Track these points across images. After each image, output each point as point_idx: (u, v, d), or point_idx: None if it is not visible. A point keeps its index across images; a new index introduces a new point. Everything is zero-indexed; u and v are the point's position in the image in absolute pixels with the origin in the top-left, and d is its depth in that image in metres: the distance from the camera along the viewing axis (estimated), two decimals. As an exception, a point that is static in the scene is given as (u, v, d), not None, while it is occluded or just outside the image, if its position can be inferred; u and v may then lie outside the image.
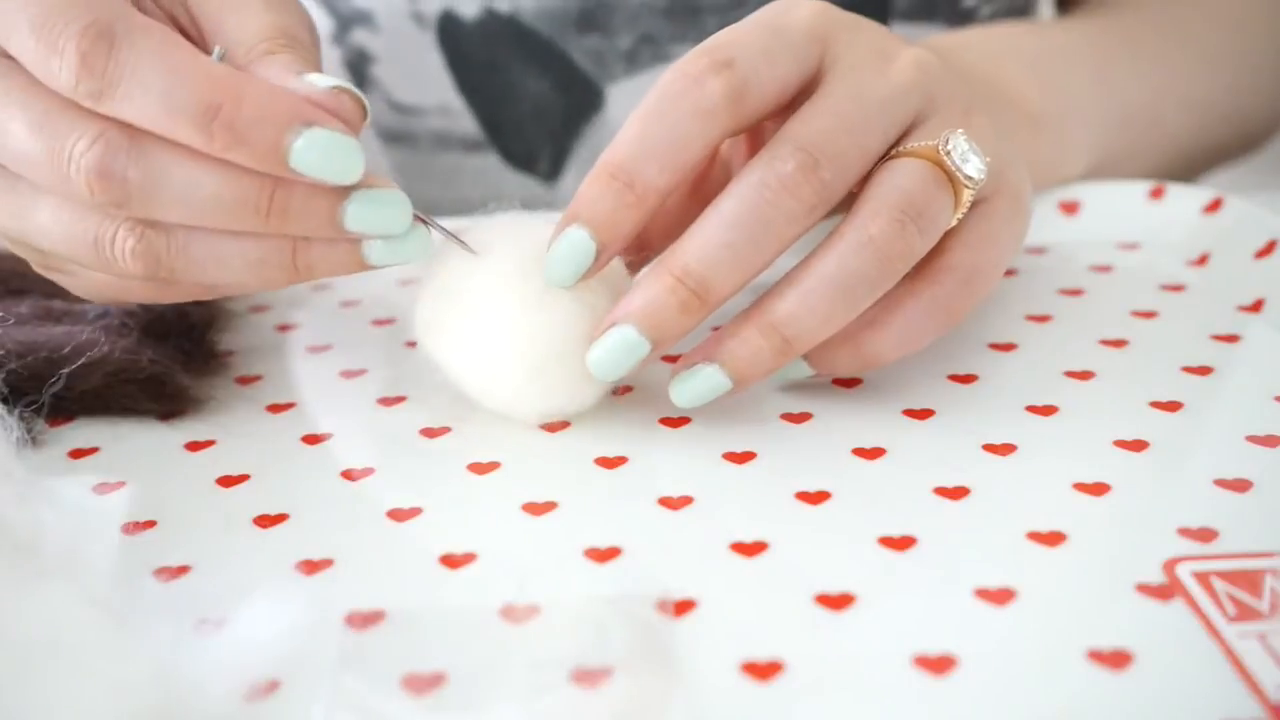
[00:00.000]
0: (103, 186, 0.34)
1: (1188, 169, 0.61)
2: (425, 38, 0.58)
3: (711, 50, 0.35)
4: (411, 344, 0.46)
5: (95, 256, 0.36)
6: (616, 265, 0.38)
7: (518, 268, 0.36)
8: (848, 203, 0.36)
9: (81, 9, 0.33)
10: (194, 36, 0.38)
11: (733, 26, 0.37)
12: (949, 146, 0.36)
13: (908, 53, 0.38)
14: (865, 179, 0.36)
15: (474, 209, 0.62)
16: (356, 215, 0.35)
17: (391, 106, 0.61)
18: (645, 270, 0.36)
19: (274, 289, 0.39)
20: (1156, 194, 0.52)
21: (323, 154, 0.33)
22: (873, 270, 0.34)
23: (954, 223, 0.37)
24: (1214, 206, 0.50)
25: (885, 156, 0.36)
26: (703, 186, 0.41)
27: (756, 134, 0.41)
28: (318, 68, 0.36)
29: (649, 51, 0.58)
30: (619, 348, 0.35)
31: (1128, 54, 0.56)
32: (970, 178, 0.36)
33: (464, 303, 0.37)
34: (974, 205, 0.37)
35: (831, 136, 0.35)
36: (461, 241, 0.37)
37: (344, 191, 0.35)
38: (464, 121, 0.60)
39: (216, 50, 0.36)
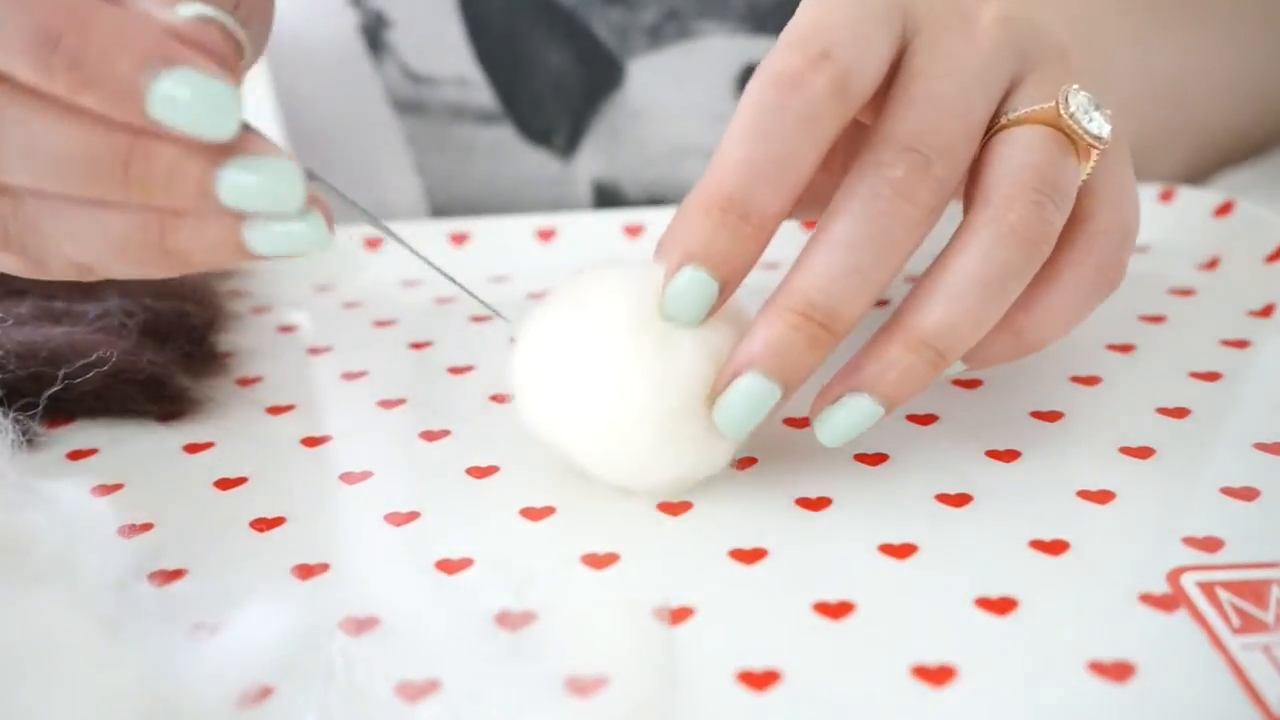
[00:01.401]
0: None
1: (1214, 154, 0.59)
2: (446, 4, 0.57)
3: (802, 41, 0.32)
4: (415, 346, 0.46)
5: None
6: (735, 301, 0.34)
7: (632, 315, 0.32)
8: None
9: None
10: None
11: (810, 6, 0.33)
12: (1071, 107, 0.33)
13: (988, 8, 0.35)
14: (979, 157, 0.34)
15: (488, 183, 0.62)
16: (233, 184, 0.29)
17: (406, 75, 0.60)
18: (759, 311, 0.32)
19: (152, 274, 0.32)
20: (1166, 196, 0.51)
21: (189, 99, 0.27)
22: (1019, 260, 0.32)
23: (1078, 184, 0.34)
24: (1224, 210, 0.50)
25: (993, 127, 0.34)
26: None
27: None
28: (243, 13, 0.31)
29: (673, 27, 0.57)
30: (748, 398, 0.32)
31: (1159, 27, 0.54)
32: (1098, 137, 0.33)
33: (574, 358, 0.33)
34: None
35: (936, 127, 0.32)
36: (377, 220, 0.33)
37: (220, 155, 0.29)
38: (480, 93, 0.60)
39: None
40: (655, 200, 0.61)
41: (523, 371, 0.34)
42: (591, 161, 0.60)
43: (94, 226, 0.30)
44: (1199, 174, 0.58)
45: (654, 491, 0.34)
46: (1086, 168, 0.34)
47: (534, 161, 0.61)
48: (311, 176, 0.31)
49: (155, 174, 0.29)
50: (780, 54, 0.32)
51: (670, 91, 0.59)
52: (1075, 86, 0.34)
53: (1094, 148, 0.34)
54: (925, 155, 0.31)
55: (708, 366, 0.32)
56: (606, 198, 0.62)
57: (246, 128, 0.30)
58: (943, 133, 0.32)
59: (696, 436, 0.33)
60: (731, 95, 0.58)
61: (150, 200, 0.30)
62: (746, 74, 0.58)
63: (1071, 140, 0.33)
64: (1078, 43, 0.46)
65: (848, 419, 0.33)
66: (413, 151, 0.62)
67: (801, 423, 0.38)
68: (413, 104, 0.61)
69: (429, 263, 0.34)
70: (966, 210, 0.33)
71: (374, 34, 0.59)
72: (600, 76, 0.59)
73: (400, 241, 0.34)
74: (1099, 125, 0.34)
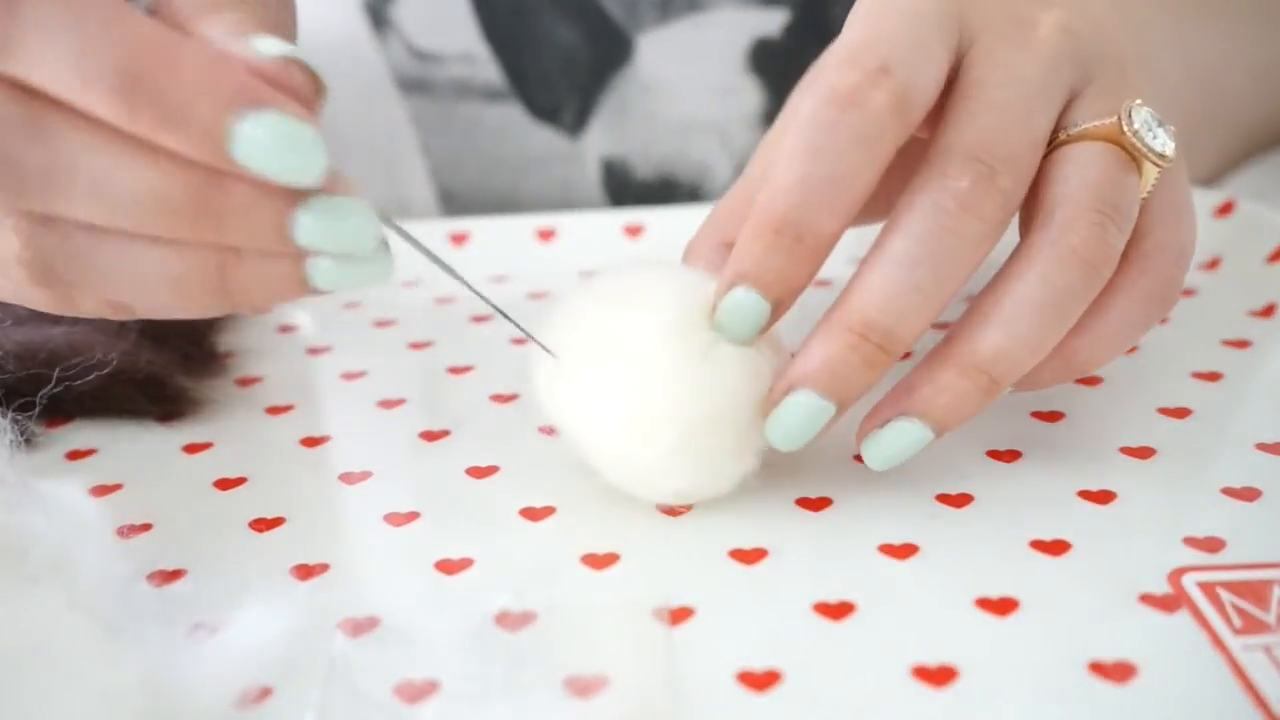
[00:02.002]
0: None
1: (1245, 144, 0.57)
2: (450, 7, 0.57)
3: (858, 56, 0.30)
4: (415, 346, 0.46)
5: None
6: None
7: (681, 318, 0.32)
8: None
9: None
10: None
11: (863, 16, 0.32)
12: (1134, 124, 0.32)
13: (1048, 16, 0.33)
14: (1039, 171, 0.32)
15: (496, 162, 0.62)
16: (311, 227, 0.28)
17: (411, 52, 0.59)
18: (816, 325, 0.32)
19: (202, 314, 0.31)
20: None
21: (275, 143, 0.27)
22: (1079, 284, 0.31)
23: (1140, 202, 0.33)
24: (1225, 209, 0.50)
25: (1053, 142, 0.32)
26: None
27: None
28: (281, 32, 0.30)
29: (683, 0, 0.57)
30: (801, 414, 0.31)
31: (1196, 15, 0.52)
32: (1162, 155, 0.32)
33: (614, 351, 0.32)
34: None
35: (1000, 137, 0.31)
36: (442, 262, 0.32)
37: (296, 195, 0.28)
38: (486, 70, 0.59)
39: (143, 1, 0.29)
40: (664, 177, 0.61)
41: (557, 350, 0.33)
42: (600, 139, 0.60)
43: (152, 264, 0.29)
44: (1229, 164, 0.57)
45: (655, 499, 0.34)
46: (1148, 185, 0.33)
47: (542, 139, 0.60)
48: (382, 216, 0.30)
49: (232, 213, 0.28)
50: (837, 70, 0.31)
51: (680, 66, 0.58)
52: (1138, 101, 0.33)
53: (1158, 166, 0.33)
54: (990, 166, 0.30)
55: (744, 383, 0.32)
56: (615, 175, 0.61)
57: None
58: (1008, 143, 0.31)
59: (714, 451, 0.32)
60: (742, 69, 0.58)
61: (223, 239, 0.29)
62: (757, 48, 0.58)
63: (1133, 158, 0.32)
64: (1124, 35, 0.45)
65: (896, 443, 0.32)
66: (418, 132, 0.61)
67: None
68: (418, 82, 0.60)
69: (465, 282, 0.33)
70: (1024, 230, 0.32)
71: (378, 11, 0.58)
72: (609, 51, 0.58)
73: (447, 268, 0.33)
74: (1163, 143, 0.33)
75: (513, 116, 0.60)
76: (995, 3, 0.33)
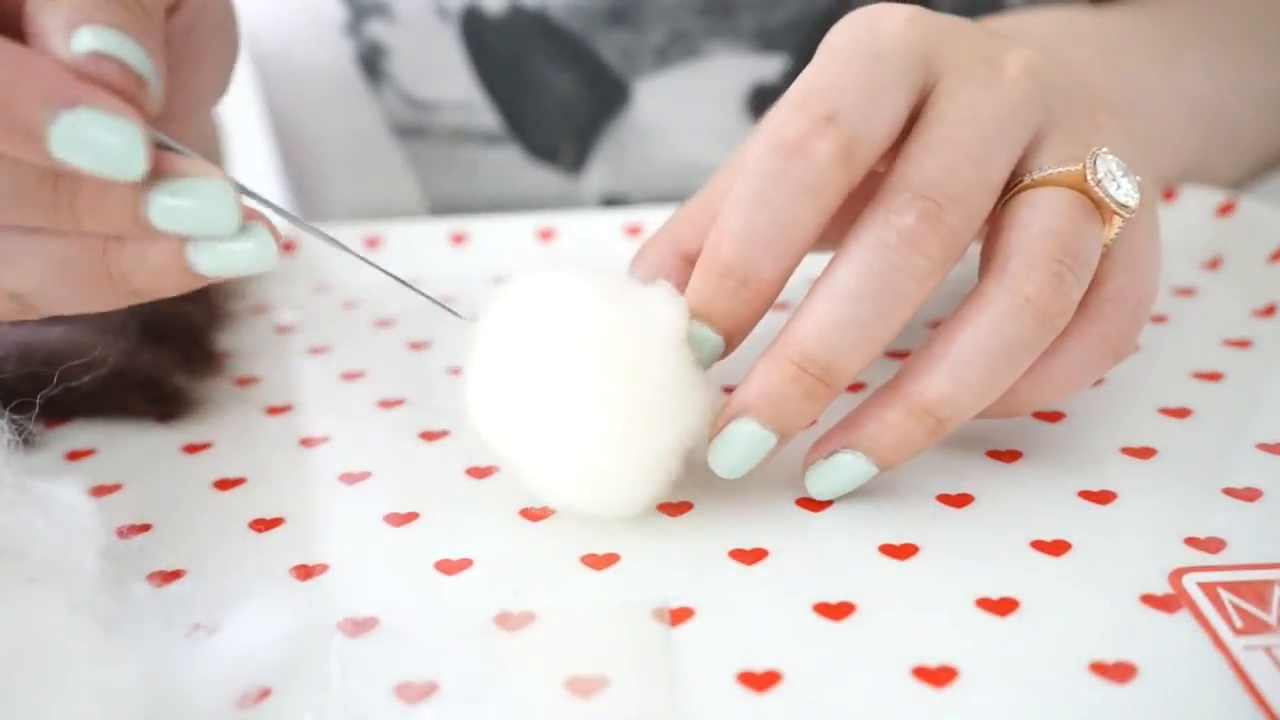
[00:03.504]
0: None
1: (1259, 165, 0.57)
2: (446, 31, 0.57)
3: (806, 102, 0.31)
4: (414, 346, 0.46)
5: None
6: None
7: (600, 331, 0.31)
8: None
9: None
10: None
11: (821, 61, 0.32)
12: (1098, 173, 0.32)
13: (1015, 57, 0.33)
14: (998, 215, 0.33)
15: (495, 200, 0.61)
16: (164, 208, 0.28)
17: (406, 102, 0.60)
18: (761, 356, 0.32)
19: (98, 305, 0.32)
20: (1168, 196, 0.51)
21: (92, 139, 0.27)
22: (1032, 334, 0.31)
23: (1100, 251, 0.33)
24: (1227, 209, 0.50)
25: (1014, 185, 0.33)
26: None
27: None
28: (136, 19, 0.29)
29: (680, 47, 0.57)
30: (744, 444, 0.32)
31: (1193, 42, 0.52)
32: (1124, 205, 0.32)
33: (536, 371, 0.31)
34: None
35: (951, 174, 0.31)
36: (337, 242, 0.32)
37: (148, 179, 0.28)
38: (484, 116, 0.59)
39: None
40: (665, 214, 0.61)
41: (478, 383, 0.33)
42: (600, 178, 0.60)
43: (33, 251, 0.30)
44: (1243, 184, 0.57)
45: (615, 512, 0.33)
46: (1111, 233, 0.33)
47: (541, 179, 0.60)
48: (245, 192, 0.30)
49: (83, 200, 0.28)
50: (783, 116, 0.31)
51: (677, 111, 0.58)
52: (1105, 150, 0.33)
53: (1119, 215, 0.32)
54: (938, 203, 0.30)
55: (676, 383, 0.32)
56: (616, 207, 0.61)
57: (173, 148, 0.29)
58: (958, 180, 0.31)
59: (664, 453, 0.32)
60: (740, 114, 0.58)
61: (82, 226, 0.29)
62: (755, 94, 0.58)
63: (1097, 205, 0.32)
64: (1107, 72, 0.44)
65: (839, 476, 0.33)
66: (416, 172, 0.61)
67: (802, 423, 0.38)
68: (413, 129, 0.60)
69: (375, 266, 0.34)
70: (982, 274, 0.32)
71: (371, 63, 0.59)
72: (606, 98, 0.58)
73: (323, 235, 0.33)
74: (1126, 193, 0.33)
75: (511, 158, 0.60)
76: (964, 41, 0.33)
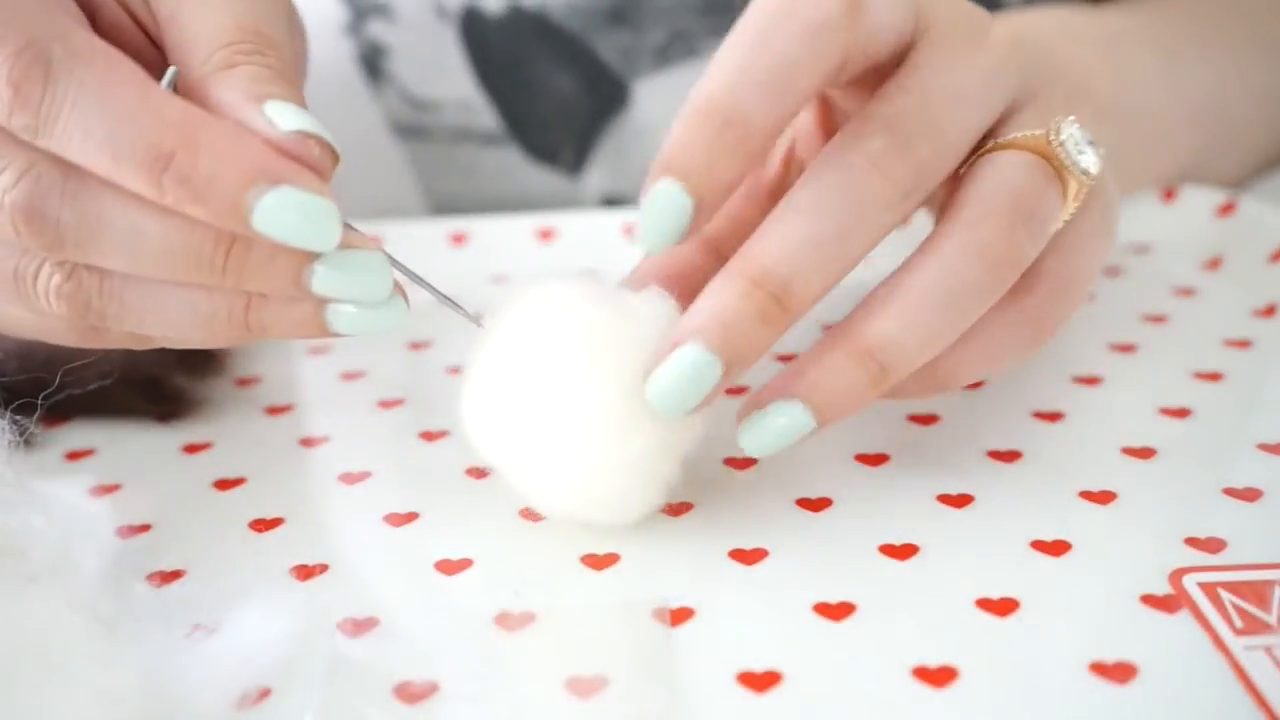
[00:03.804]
0: (30, 229, 0.29)
1: (1261, 163, 0.57)
2: (446, 31, 0.57)
3: None
4: (415, 346, 0.46)
5: (14, 289, 0.31)
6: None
7: (593, 335, 0.31)
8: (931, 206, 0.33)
9: (15, 28, 0.28)
10: (149, 28, 0.33)
11: None
12: (1061, 136, 0.32)
13: (1000, 29, 0.33)
14: (961, 176, 0.32)
15: (496, 201, 0.61)
16: (326, 279, 0.30)
17: (406, 101, 0.60)
18: (714, 279, 0.30)
19: (221, 345, 0.33)
20: (1169, 195, 0.51)
21: (292, 217, 0.28)
22: (984, 280, 0.30)
23: (1061, 224, 0.32)
24: (1227, 209, 0.50)
25: (981, 149, 0.32)
26: (780, 189, 0.37)
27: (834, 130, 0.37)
28: (293, 73, 0.31)
29: (680, 48, 0.57)
30: (686, 372, 0.29)
31: (1193, 41, 0.52)
32: (1086, 171, 0.32)
33: (529, 383, 0.31)
34: None
35: (924, 113, 0.30)
36: (457, 305, 0.34)
37: (309, 252, 0.30)
38: (483, 116, 0.59)
39: (169, 73, 0.31)
40: None
41: (473, 399, 0.33)
42: (600, 178, 0.60)
43: (179, 302, 0.31)
44: (1243, 182, 0.57)
45: (616, 519, 0.33)
46: (1070, 207, 0.32)
47: (541, 179, 0.61)
48: (393, 263, 0.32)
49: (252, 266, 0.30)
50: None
51: (677, 111, 0.58)
52: (1071, 118, 0.32)
53: (1080, 182, 0.32)
54: (907, 135, 0.30)
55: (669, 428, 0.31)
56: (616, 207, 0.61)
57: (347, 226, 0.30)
58: (932, 120, 0.30)
59: (661, 454, 0.31)
60: None
61: (243, 286, 0.30)
62: None
63: (1059, 172, 0.32)
64: (1107, 72, 0.44)
65: (775, 428, 0.31)
66: (416, 172, 0.61)
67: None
68: (414, 129, 0.60)
69: (468, 315, 0.34)
70: (936, 225, 0.32)
71: (372, 63, 0.59)
72: (605, 99, 0.58)
73: (454, 306, 0.34)
74: (1090, 160, 0.32)
75: (511, 158, 0.60)
76: (956, 6, 0.33)
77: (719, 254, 0.35)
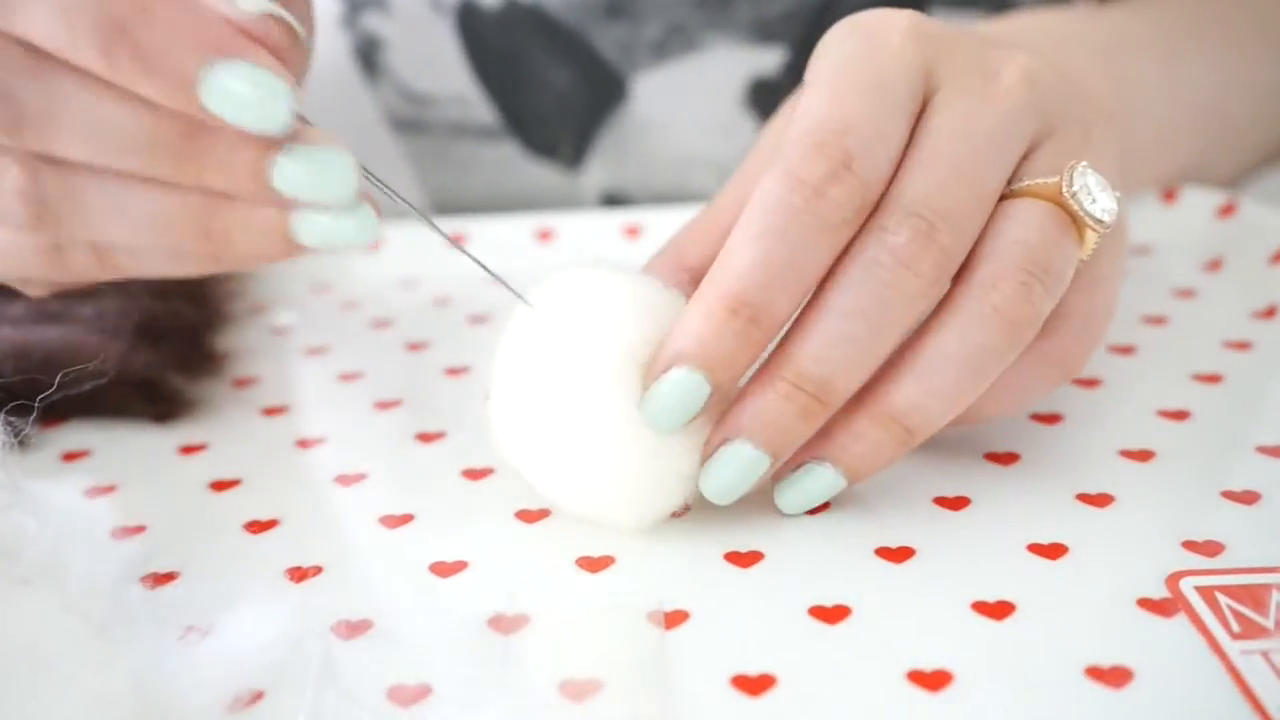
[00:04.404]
0: None
1: (1260, 162, 0.57)
2: (442, 24, 0.57)
3: (824, 144, 0.30)
4: (412, 347, 0.46)
5: None
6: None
7: (633, 346, 0.31)
8: None
9: None
10: None
11: (829, 86, 0.31)
12: (1074, 186, 0.32)
13: (1013, 65, 0.33)
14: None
15: (494, 197, 0.61)
16: (287, 172, 0.30)
17: (403, 95, 0.59)
18: (752, 377, 0.31)
19: (186, 266, 0.33)
20: (1169, 196, 0.51)
21: (242, 92, 0.28)
22: (1000, 342, 0.31)
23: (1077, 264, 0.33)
24: (1227, 210, 0.50)
25: (1002, 194, 0.33)
26: None
27: None
28: None
29: (678, 41, 0.57)
30: (738, 468, 0.31)
31: (1192, 41, 0.52)
32: (1100, 221, 0.32)
33: (567, 391, 0.31)
34: None
35: (944, 191, 0.31)
36: (433, 223, 0.33)
37: (276, 143, 0.30)
38: (480, 110, 0.59)
39: None
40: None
41: (504, 388, 0.33)
42: (599, 173, 0.60)
43: (140, 202, 0.31)
44: (1240, 180, 0.57)
45: (644, 523, 0.33)
46: (1088, 248, 0.33)
47: (540, 174, 0.60)
48: (365, 173, 0.31)
49: (211, 154, 0.29)
50: (804, 156, 0.30)
51: (676, 104, 0.58)
52: (1085, 164, 0.32)
53: (1094, 230, 0.32)
54: (930, 222, 0.30)
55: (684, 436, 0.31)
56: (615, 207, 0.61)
57: (303, 120, 0.30)
58: (951, 198, 0.31)
59: (683, 461, 0.32)
60: (739, 107, 0.58)
61: (203, 180, 0.30)
62: (754, 88, 0.58)
63: (1074, 219, 0.32)
64: (1107, 77, 0.44)
65: (808, 487, 0.32)
66: (414, 167, 0.61)
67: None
68: (411, 123, 0.60)
69: (480, 263, 0.35)
70: (953, 283, 0.32)
71: (368, 56, 0.58)
72: (603, 92, 0.58)
73: (431, 223, 0.34)
74: (1103, 208, 0.32)
75: (509, 153, 0.60)
76: (962, 52, 0.33)
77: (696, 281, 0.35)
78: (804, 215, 0.30)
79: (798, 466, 0.32)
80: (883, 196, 0.31)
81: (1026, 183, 0.32)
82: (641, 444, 0.31)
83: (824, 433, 0.32)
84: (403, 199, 0.33)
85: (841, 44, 0.33)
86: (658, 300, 0.32)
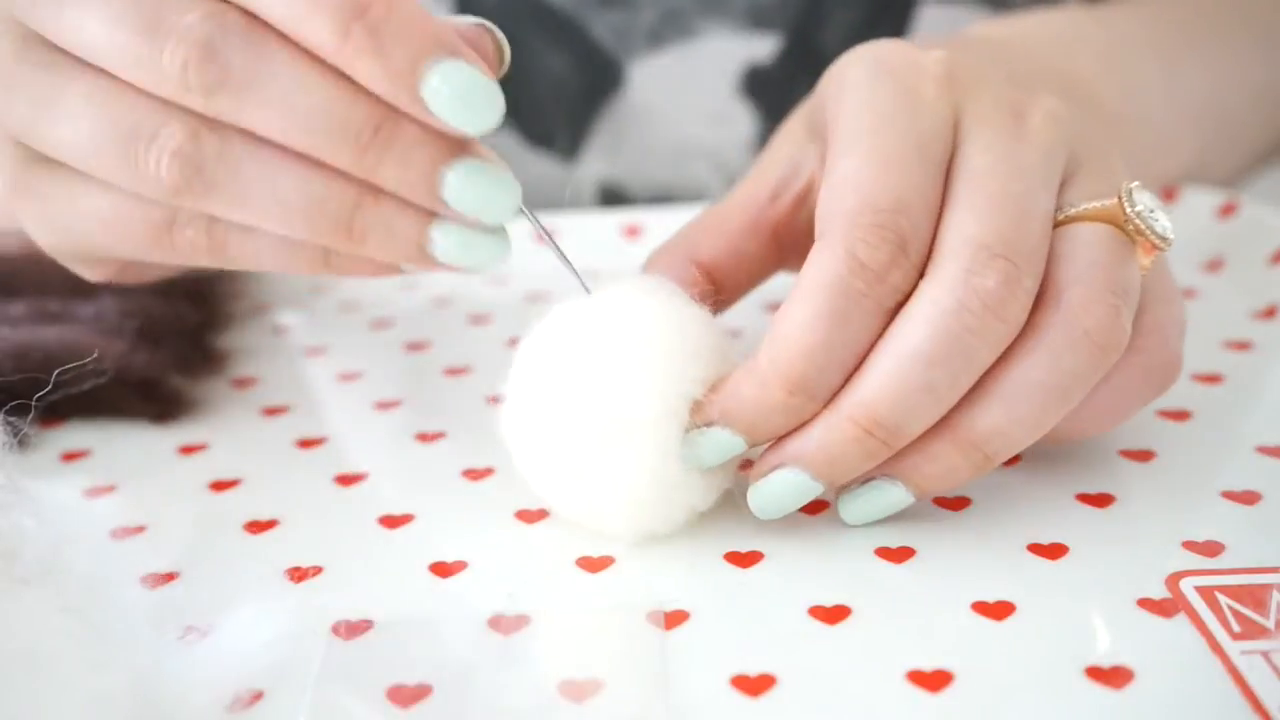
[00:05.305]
0: (202, 66, 0.29)
1: (1258, 160, 0.58)
2: (440, 11, 0.57)
3: (882, 226, 0.30)
4: (412, 347, 0.46)
5: (120, 151, 0.31)
6: (722, 341, 0.33)
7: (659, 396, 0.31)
8: None
9: None
10: None
11: (877, 153, 0.31)
12: (1137, 207, 0.32)
13: (1036, 105, 0.34)
14: None
15: None
16: (457, 185, 0.30)
17: None
18: (824, 412, 0.31)
19: (294, 264, 0.33)
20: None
21: (461, 91, 0.29)
22: (1088, 367, 0.30)
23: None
24: (1228, 210, 0.50)
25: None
26: (788, 229, 0.37)
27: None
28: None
29: (674, 27, 0.57)
30: (792, 493, 0.31)
31: (1194, 41, 0.52)
32: (1164, 238, 0.32)
33: (604, 422, 0.31)
34: None
35: (1020, 232, 0.30)
36: (570, 265, 0.33)
37: (454, 150, 0.30)
38: None
39: None
40: (662, 199, 0.61)
41: (520, 386, 0.32)
42: (596, 163, 0.60)
43: (297, 184, 0.31)
44: (1238, 179, 0.57)
45: (650, 532, 0.33)
46: (1146, 264, 0.33)
47: (536, 166, 0.60)
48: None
49: (395, 149, 0.30)
50: (864, 240, 0.30)
51: (672, 92, 0.58)
52: (1137, 184, 0.32)
53: (1159, 248, 0.32)
54: (1015, 263, 0.30)
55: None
56: (612, 199, 0.61)
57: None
58: (1028, 238, 0.30)
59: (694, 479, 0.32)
60: (734, 95, 0.58)
61: (376, 174, 0.30)
62: (749, 75, 0.58)
63: (1131, 239, 0.32)
64: (1110, 82, 0.44)
65: (876, 502, 0.32)
66: None
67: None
68: None
69: (575, 270, 0.34)
70: (1034, 308, 0.31)
71: None
72: (600, 79, 0.58)
73: (564, 260, 0.34)
74: (1164, 226, 0.32)
75: (506, 144, 0.60)
76: (988, 90, 0.33)
77: (713, 279, 0.36)
78: (866, 300, 0.30)
79: (867, 480, 0.32)
80: (951, 235, 0.31)
81: (1082, 207, 0.32)
82: (665, 477, 0.31)
83: (900, 453, 0.31)
84: (544, 231, 0.33)
85: (873, 91, 0.33)
86: (705, 336, 0.32)
